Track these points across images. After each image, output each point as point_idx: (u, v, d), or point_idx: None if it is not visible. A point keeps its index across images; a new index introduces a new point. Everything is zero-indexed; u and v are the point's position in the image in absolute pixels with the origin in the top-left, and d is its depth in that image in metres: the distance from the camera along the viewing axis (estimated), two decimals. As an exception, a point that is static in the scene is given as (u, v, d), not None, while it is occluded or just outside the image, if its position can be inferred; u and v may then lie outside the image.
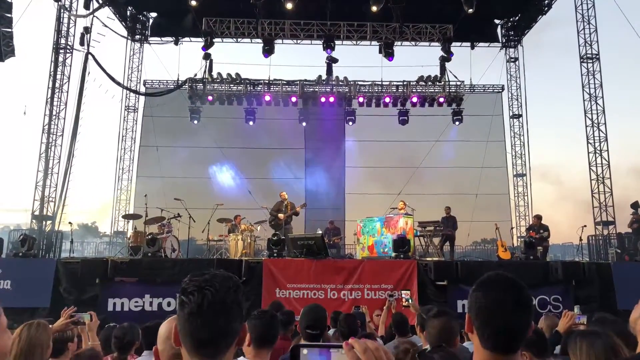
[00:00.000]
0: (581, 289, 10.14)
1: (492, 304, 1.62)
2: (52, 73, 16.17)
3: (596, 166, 16.63)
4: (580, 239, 13.71)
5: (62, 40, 16.39)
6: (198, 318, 1.40)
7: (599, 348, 2.51)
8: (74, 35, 16.47)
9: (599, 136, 16.69)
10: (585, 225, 13.87)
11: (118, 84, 18.07)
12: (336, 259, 11.80)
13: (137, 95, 21.22)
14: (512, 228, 19.02)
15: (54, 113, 16.12)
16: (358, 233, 12.82)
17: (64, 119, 16.27)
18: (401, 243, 10.87)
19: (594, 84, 16.87)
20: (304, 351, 1.13)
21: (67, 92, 16.37)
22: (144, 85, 21.15)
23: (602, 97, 16.81)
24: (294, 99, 19.04)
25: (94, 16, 16.09)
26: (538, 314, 8.21)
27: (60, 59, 16.35)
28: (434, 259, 11.76)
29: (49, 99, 16.07)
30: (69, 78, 16.43)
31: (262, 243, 14.03)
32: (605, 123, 16.71)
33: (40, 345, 2.80)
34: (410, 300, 4.55)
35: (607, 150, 16.63)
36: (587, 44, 17.03)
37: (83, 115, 15.82)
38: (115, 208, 20.91)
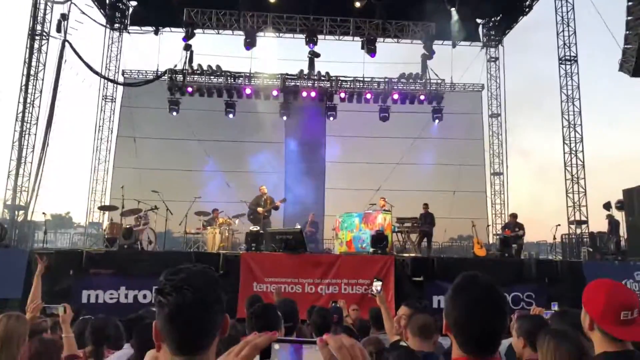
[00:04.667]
0: (554, 287, 10.35)
1: (467, 312, 1.63)
2: (27, 60, 15.82)
3: (571, 166, 16.99)
4: (554, 238, 14.01)
5: (38, 27, 16.04)
6: (179, 318, 1.39)
7: (565, 349, 2.53)
8: (50, 22, 16.15)
9: (575, 137, 17.04)
10: (559, 225, 14.18)
11: (96, 73, 17.77)
12: (314, 254, 11.82)
13: (115, 85, 20.90)
14: (488, 226, 19.32)
15: (29, 101, 15.80)
16: (337, 228, 12.87)
17: (39, 107, 15.98)
18: (379, 239, 10.95)
19: (572, 85, 17.21)
20: (276, 346, 1.10)
21: (43, 80, 16.07)
22: (123, 75, 20.85)
23: (579, 98, 17.16)
24: (275, 93, 18.99)
25: (71, 3, 15.78)
26: (512, 310, 8.38)
27: (36, 45, 16.00)
28: (411, 255, 11.87)
29: (24, 87, 15.74)
30: (44, 66, 16.12)
31: (240, 237, 13.99)
32: (581, 124, 17.08)
33: (17, 337, 2.85)
34: (378, 291, 4.44)
35: (583, 151, 17.00)
36: (565, 46, 17.34)
37: (59, 104, 15.54)
38: (90, 199, 20.63)
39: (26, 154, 15.70)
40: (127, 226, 11.66)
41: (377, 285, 4.45)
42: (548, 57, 19.68)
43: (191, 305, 1.38)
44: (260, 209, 12.94)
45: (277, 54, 19.74)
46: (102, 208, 17.34)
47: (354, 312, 7.52)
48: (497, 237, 14.20)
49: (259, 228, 11.65)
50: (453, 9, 15.45)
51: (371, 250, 10.98)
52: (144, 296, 9.71)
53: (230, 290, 9.65)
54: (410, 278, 10.25)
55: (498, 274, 10.03)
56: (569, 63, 17.30)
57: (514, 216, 13.72)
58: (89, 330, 3.87)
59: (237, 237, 14.01)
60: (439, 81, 19.52)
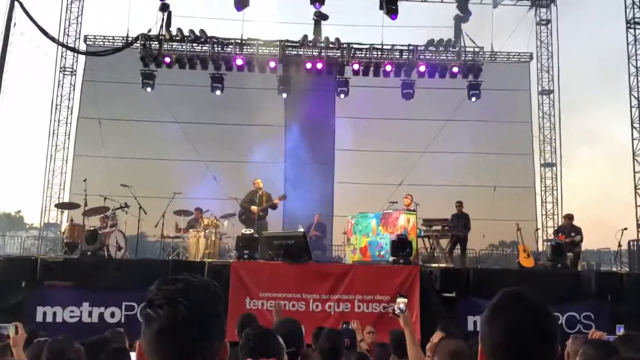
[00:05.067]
0: (618, 305, 10.30)
1: (508, 338, 1.63)
2: (-33, 23, 15.89)
3: (642, 156, 16.89)
4: (620, 245, 13.92)
5: (-18, -18, 16.10)
6: (170, 336, 1.40)
7: None
8: (-4, -24, 16.20)
9: (646, 119, 16.93)
10: (626, 228, 14.06)
11: (52, 39, 17.79)
12: (321, 263, 11.85)
13: (75, 55, 20.94)
14: (537, 229, 19.24)
15: (-30, 74, 15.89)
16: (348, 232, 12.87)
17: (-17, 81, 16.04)
18: (401, 245, 10.94)
19: (643, 54, 17.09)
20: None
21: (-13, 47, 16.13)
22: (85, 42, 20.88)
23: (652, 70, 17.03)
24: (272, 64, 18.94)
25: (22, -48, 15.81)
26: (566, 334, 8.36)
27: (-21, 5, 16.06)
28: (441, 265, 11.89)
29: (-36, 56, 15.82)
30: (-11, 30, 16.17)
31: (229, 242, 14.03)
32: (654, 103, 16.96)
33: None
34: (402, 310, 4.49)
35: (656, 136, 16.89)
36: (635, 6, 17.19)
37: (6, 77, 15.59)
38: (46, 194, 20.73)
39: (-33, 139, 15.84)
40: (91, 228, 11.72)
41: (401, 302, 4.48)
42: (613, 19, 19.53)
43: (186, 321, 1.40)
44: (254, 208, 12.97)
45: (275, 16, 19.70)
46: (60, 206, 17.46)
47: (369, 336, 7.54)
48: (548, 243, 14.14)
49: (252, 231, 11.68)
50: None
51: (391, 259, 10.98)
52: (112, 314, 9.77)
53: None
54: (439, 294, 10.25)
55: (549, 289, 10.01)
56: (639, 27, 17.16)
57: (569, 218, 13.67)
58: (46, 355, 3.92)
59: (225, 242, 14.06)
60: (477, 49, 19.40)
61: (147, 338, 1.43)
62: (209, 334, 1.45)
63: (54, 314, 9.69)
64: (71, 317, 9.72)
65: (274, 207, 13.57)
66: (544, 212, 21.29)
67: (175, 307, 1.40)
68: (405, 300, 4.56)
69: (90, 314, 9.75)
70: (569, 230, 13.29)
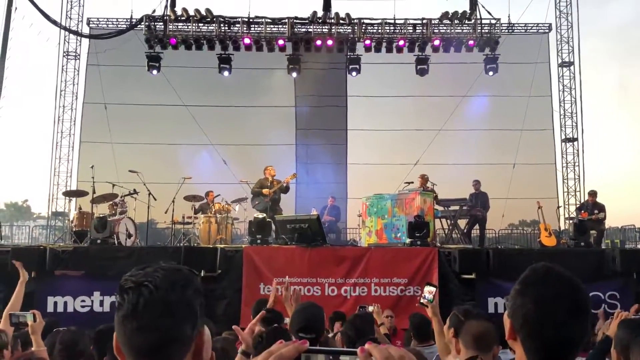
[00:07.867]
0: (644, 284, 10.28)
1: (542, 312, 1.62)
2: (-33, 8, 15.95)
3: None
4: (645, 221, 13.85)
5: (-20, -34, 16.12)
6: (133, 321, 1.40)
7: None
8: (-5, -41, 16.21)
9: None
10: (651, 204, 14.00)
11: (54, 22, 17.84)
12: (335, 247, 11.88)
13: (79, 38, 20.96)
14: (558, 207, 19.13)
15: (-28, 61, 15.96)
16: (363, 214, 12.89)
17: (-15, 68, 16.11)
18: (418, 226, 10.94)
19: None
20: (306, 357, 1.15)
21: (-12, 33, 16.19)
22: (88, 24, 20.89)
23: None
24: (281, 43, 18.87)
25: None
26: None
27: (-22, -10, 16.10)
28: (459, 246, 11.88)
29: (-35, 43, 15.89)
30: (-10, 15, 16.22)
31: (241, 226, 14.10)
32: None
33: None
34: (430, 299, 4.46)
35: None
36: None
37: (9, 64, 15.67)
38: (53, 182, 20.88)
39: (-29, 128, 15.95)
40: (100, 216, 11.81)
41: (429, 291, 4.45)
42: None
43: (148, 306, 1.39)
44: (266, 190, 13.01)
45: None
46: (68, 194, 17.58)
47: (388, 320, 7.55)
48: (571, 221, 14.11)
49: (265, 215, 11.72)
50: None
51: (408, 241, 10.99)
52: (124, 303, 9.85)
53: (231, 293, 9.77)
54: (458, 275, 10.26)
55: (572, 268, 9.76)
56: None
57: (592, 194, 13.62)
58: (58, 347, 3.97)
59: (237, 227, 14.13)
60: (493, 21, 19.18)
61: (117, 325, 1.44)
62: (176, 318, 1.42)
63: (65, 303, 9.79)
64: (82, 306, 9.82)
65: (286, 189, 13.58)
66: (565, 189, 21.14)
67: (139, 291, 1.40)
68: (434, 289, 4.51)
69: (101, 303, 9.83)
70: (592, 207, 13.25)
